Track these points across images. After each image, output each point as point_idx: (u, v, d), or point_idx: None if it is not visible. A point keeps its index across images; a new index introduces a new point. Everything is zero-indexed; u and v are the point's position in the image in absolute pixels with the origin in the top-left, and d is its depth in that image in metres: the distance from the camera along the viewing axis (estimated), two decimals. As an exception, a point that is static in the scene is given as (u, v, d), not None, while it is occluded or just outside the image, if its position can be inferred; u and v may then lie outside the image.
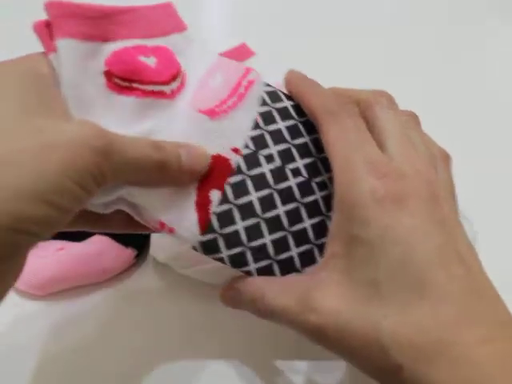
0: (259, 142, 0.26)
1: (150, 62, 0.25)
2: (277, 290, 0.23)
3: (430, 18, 0.59)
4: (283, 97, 0.27)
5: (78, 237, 0.32)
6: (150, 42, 0.26)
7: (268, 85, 0.27)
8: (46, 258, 0.31)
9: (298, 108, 0.27)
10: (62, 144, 0.18)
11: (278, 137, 0.26)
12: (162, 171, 0.22)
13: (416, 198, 0.21)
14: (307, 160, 0.26)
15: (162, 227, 0.23)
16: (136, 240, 0.33)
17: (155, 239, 0.33)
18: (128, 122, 0.23)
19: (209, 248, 0.24)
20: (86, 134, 0.19)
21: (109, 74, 0.23)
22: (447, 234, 0.21)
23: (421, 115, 0.27)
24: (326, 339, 0.21)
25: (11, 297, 0.31)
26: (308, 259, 0.25)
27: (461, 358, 0.18)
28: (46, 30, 0.23)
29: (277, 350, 0.29)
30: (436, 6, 0.60)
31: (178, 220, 0.23)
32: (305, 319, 0.21)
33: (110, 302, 0.31)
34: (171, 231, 0.23)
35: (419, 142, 0.24)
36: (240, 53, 0.49)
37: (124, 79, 0.24)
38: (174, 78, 0.25)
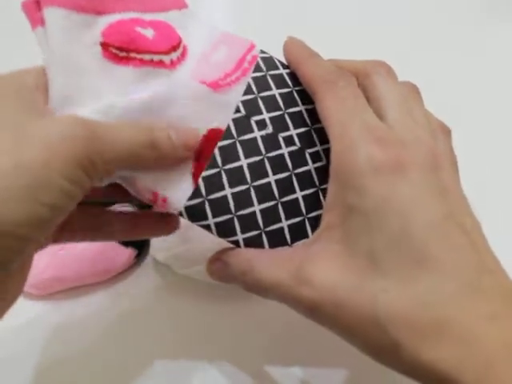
0: (251, 106, 0.25)
1: (148, 33, 0.24)
2: (267, 262, 0.22)
3: (430, 17, 0.59)
4: (279, 64, 0.27)
5: (78, 237, 0.32)
6: (147, 16, 0.25)
7: (263, 52, 0.27)
8: (46, 258, 0.31)
9: (293, 76, 0.27)
10: (40, 137, 0.18)
11: (271, 103, 0.25)
12: (155, 150, 0.21)
13: (416, 167, 0.20)
14: (301, 129, 0.25)
15: (154, 197, 0.23)
16: (136, 240, 0.33)
17: (155, 239, 0.33)
18: (127, 91, 0.23)
19: (195, 214, 0.23)
20: (65, 124, 0.18)
21: (105, 45, 0.23)
22: (449, 205, 0.19)
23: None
24: (320, 314, 0.20)
25: (11, 297, 0.31)
26: (299, 232, 0.24)
27: (464, 336, 0.17)
28: (35, 6, 0.22)
29: (277, 350, 0.29)
30: (436, 5, 0.60)
31: (172, 190, 0.23)
32: (298, 293, 0.20)
33: (110, 302, 0.31)
34: (164, 201, 0.23)
35: (419, 113, 0.23)
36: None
37: (121, 49, 0.23)
38: (173, 48, 0.25)
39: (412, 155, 0.20)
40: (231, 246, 0.23)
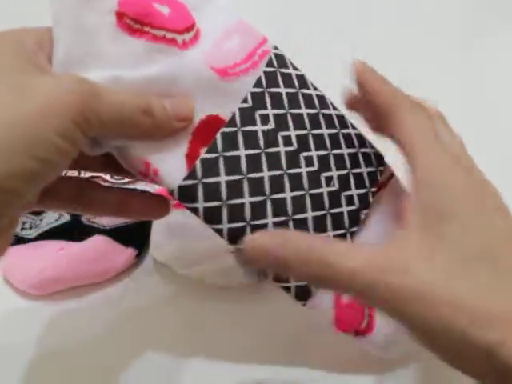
0: (258, 99, 0.25)
1: (164, 10, 0.24)
2: (343, 250, 0.21)
3: (439, 24, 0.59)
4: (289, 63, 0.27)
5: (77, 237, 0.32)
6: None
7: (277, 48, 0.27)
8: (46, 258, 0.31)
9: (300, 78, 0.27)
10: (39, 92, 0.18)
11: (277, 100, 0.25)
12: (149, 116, 0.21)
13: (496, 198, 0.22)
14: (300, 132, 0.25)
15: (146, 168, 0.23)
16: (136, 240, 0.33)
17: (155, 239, 0.32)
18: (134, 64, 0.23)
19: (186, 194, 0.23)
20: (67, 82, 0.19)
21: (120, 14, 0.23)
22: None
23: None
24: (404, 309, 0.19)
25: (11, 297, 0.31)
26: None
27: None
28: None
29: (277, 349, 0.29)
30: (446, 11, 0.60)
31: (164, 163, 0.23)
32: (383, 282, 0.19)
33: (109, 302, 0.31)
34: (155, 173, 0.23)
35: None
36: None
37: (136, 21, 0.23)
38: (187, 29, 0.24)
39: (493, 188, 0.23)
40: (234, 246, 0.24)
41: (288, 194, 0.24)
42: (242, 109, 0.24)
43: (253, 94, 0.25)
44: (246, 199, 0.24)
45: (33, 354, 0.29)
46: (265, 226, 0.24)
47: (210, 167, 0.23)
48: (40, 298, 0.31)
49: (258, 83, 0.25)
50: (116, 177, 0.34)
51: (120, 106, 0.20)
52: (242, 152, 0.24)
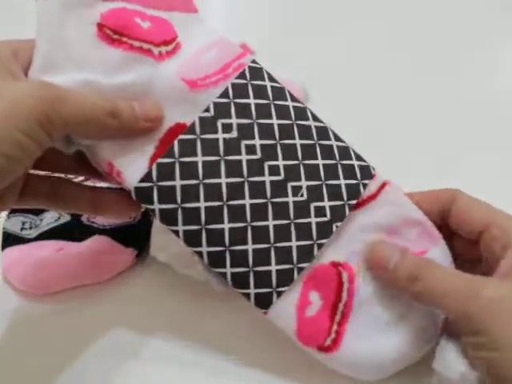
0: (222, 109, 0.26)
1: (144, 24, 0.26)
2: (440, 274, 0.24)
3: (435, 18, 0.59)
4: (266, 76, 0.27)
5: (78, 237, 0.32)
6: (151, 12, 0.26)
7: (255, 62, 0.27)
8: (46, 258, 0.31)
9: (277, 90, 0.27)
10: (8, 96, 0.20)
11: (243, 110, 0.26)
12: (116, 118, 0.23)
13: None
14: (266, 141, 0.26)
15: (110, 168, 0.24)
16: (136, 240, 0.33)
17: (155, 239, 0.32)
18: (111, 71, 0.24)
19: (143, 196, 0.24)
20: (33, 86, 0.21)
21: (101, 26, 0.24)
22: None
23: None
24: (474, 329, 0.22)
25: (11, 297, 0.31)
26: (238, 237, 0.25)
27: None
28: None
29: (277, 349, 0.29)
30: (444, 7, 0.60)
31: (128, 165, 0.24)
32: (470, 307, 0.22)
33: (109, 302, 0.31)
34: (118, 174, 0.24)
35: None
36: (240, 53, 0.49)
37: (115, 32, 0.25)
38: (164, 42, 0.26)
39: None
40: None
41: (247, 201, 0.25)
42: (203, 117, 0.25)
43: (216, 103, 0.25)
44: (202, 204, 0.24)
45: (33, 354, 0.29)
46: (221, 230, 0.24)
47: (166, 171, 0.24)
48: (40, 298, 0.31)
49: (224, 94, 0.26)
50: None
51: (85, 108, 0.22)
52: (200, 158, 0.25)
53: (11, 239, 0.32)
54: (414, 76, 0.50)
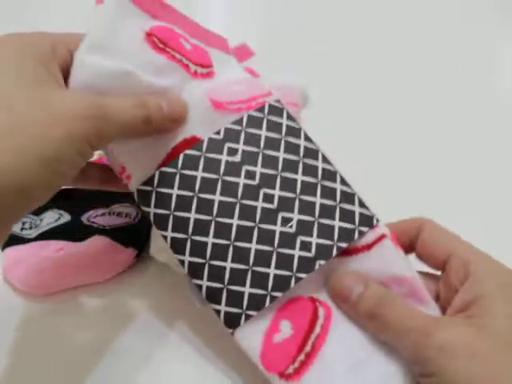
0: (231, 135, 0.27)
1: (187, 45, 0.28)
2: (398, 313, 0.24)
3: (439, 18, 0.59)
4: (285, 115, 0.28)
5: (78, 237, 0.32)
6: (193, 40, 0.29)
7: (279, 101, 0.28)
8: (46, 258, 0.31)
9: (293, 130, 0.28)
10: (64, 117, 0.21)
11: (252, 139, 0.27)
12: (148, 124, 0.24)
13: None
14: (267, 170, 0.27)
15: (122, 171, 0.27)
16: (136, 240, 0.33)
17: (155, 239, 0.33)
18: (151, 73, 0.26)
19: (142, 198, 0.26)
20: (84, 106, 0.21)
21: (149, 34, 0.26)
22: None
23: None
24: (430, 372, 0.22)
25: (11, 297, 0.31)
26: (219, 253, 0.25)
27: None
28: None
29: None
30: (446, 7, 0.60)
31: (137, 170, 0.26)
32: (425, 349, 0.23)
33: (109, 302, 0.31)
34: (128, 178, 0.27)
35: None
36: (240, 53, 0.49)
37: (161, 42, 0.27)
38: (201, 65, 0.28)
39: None
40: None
41: (235, 221, 0.26)
42: (212, 139, 0.27)
43: (227, 129, 0.27)
44: (192, 215, 0.26)
45: (33, 354, 0.29)
46: (204, 243, 0.26)
47: (166, 179, 0.26)
48: (40, 298, 0.31)
49: (238, 122, 0.27)
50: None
51: (127, 121, 0.23)
52: (200, 174, 0.26)
53: (11, 239, 0.32)
54: (415, 78, 0.50)
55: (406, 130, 0.44)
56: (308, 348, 0.25)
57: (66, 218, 0.33)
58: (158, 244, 0.32)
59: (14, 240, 0.32)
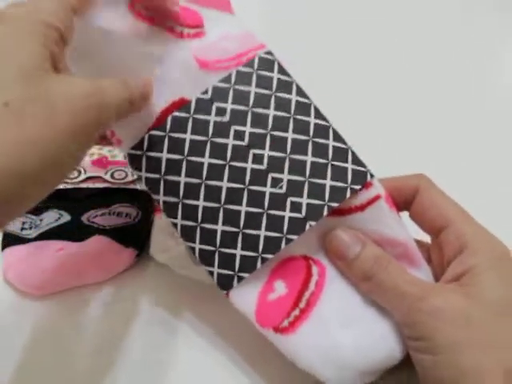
0: (220, 93, 0.26)
1: (174, 8, 0.27)
2: (393, 276, 0.24)
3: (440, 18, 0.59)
4: (276, 68, 0.27)
5: (78, 237, 0.32)
6: (183, 3, 0.28)
7: (270, 53, 0.28)
8: (46, 258, 0.31)
9: (284, 83, 0.27)
10: (64, 108, 0.19)
11: (241, 97, 0.26)
12: (132, 105, 0.24)
13: None
14: (257, 130, 0.26)
15: (111, 135, 0.27)
16: (136, 240, 0.33)
17: (155, 239, 0.32)
18: (134, 43, 0.26)
19: (133, 162, 0.26)
20: (85, 93, 0.20)
21: (133, 2, 0.26)
22: None
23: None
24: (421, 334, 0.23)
25: (11, 297, 0.31)
26: (210, 216, 0.26)
27: None
28: None
29: (276, 350, 0.29)
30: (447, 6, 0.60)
31: (127, 136, 0.26)
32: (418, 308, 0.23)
33: (109, 302, 0.31)
34: (118, 141, 0.27)
35: None
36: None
37: (145, 8, 0.26)
38: (188, 25, 0.27)
39: None
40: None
41: (224, 184, 0.26)
42: (200, 99, 0.26)
43: (215, 87, 0.26)
44: (182, 178, 0.26)
45: (33, 354, 0.29)
46: (195, 207, 0.26)
47: (155, 143, 0.26)
48: (40, 297, 0.31)
49: (226, 79, 0.27)
50: (116, 177, 0.34)
51: (117, 105, 0.22)
52: (188, 136, 0.26)
53: (11, 239, 0.32)
54: (414, 76, 0.50)
55: (408, 126, 0.44)
56: (303, 304, 0.25)
57: (65, 217, 0.33)
58: (158, 244, 0.32)
59: (14, 240, 0.32)
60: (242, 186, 0.26)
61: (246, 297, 0.26)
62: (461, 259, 0.24)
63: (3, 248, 0.32)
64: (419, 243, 0.27)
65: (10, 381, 0.28)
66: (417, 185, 0.27)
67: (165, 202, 0.26)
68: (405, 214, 0.28)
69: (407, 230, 0.27)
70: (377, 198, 0.26)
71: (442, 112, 0.46)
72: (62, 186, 0.33)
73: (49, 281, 0.31)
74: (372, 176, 0.26)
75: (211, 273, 0.26)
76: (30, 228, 0.33)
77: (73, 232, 0.32)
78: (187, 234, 0.26)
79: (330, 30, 0.56)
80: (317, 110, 0.27)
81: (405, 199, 0.27)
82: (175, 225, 0.26)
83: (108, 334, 0.30)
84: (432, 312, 0.22)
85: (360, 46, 0.54)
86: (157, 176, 0.26)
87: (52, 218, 0.33)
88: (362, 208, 0.26)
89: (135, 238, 0.33)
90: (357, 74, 0.50)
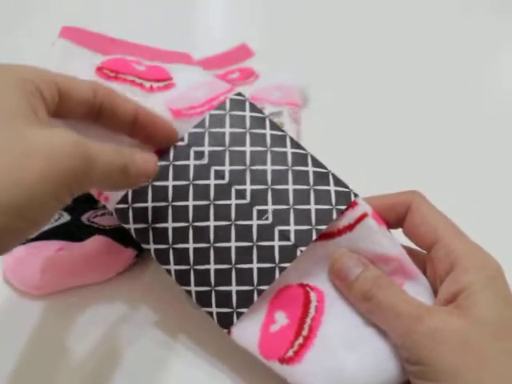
0: (196, 138, 0.27)
1: (140, 68, 0.29)
2: (392, 297, 0.24)
3: (439, 16, 0.59)
4: (248, 107, 0.28)
5: (78, 237, 0.32)
6: (148, 63, 0.30)
7: (241, 95, 0.29)
8: (46, 258, 0.31)
9: (257, 120, 0.28)
10: (41, 156, 0.18)
11: (216, 139, 0.27)
12: (125, 174, 0.23)
13: None
14: (236, 167, 0.27)
15: (99, 194, 0.28)
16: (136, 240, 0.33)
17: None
18: None
19: (120, 216, 0.27)
20: (66, 144, 0.19)
21: (100, 68, 0.28)
22: None
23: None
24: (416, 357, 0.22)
25: (11, 297, 0.31)
26: (202, 257, 0.26)
27: None
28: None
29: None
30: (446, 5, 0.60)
31: (114, 193, 0.27)
32: (417, 329, 0.23)
33: (110, 302, 0.31)
34: (106, 199, 0.28)
35: None
36: (240, 53, 0.49)
37: (112, 71, 0.28)
38: (157, 80, 0.29)
39: None
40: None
41: (211, 223, 0.26)
42: (177, 146, 0.27)
43: (191, 133, 0.27)
44: (169, 224, 0.26)
45: (33, 354, 0.29)
46: (186, 250, 0.26)
47: (140, 194, 0.26)
48: (40, 297, 0.31)
49: (200, 124, 0.28)
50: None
51: (108, 168, 0.21)
52: (170, 183, 0.27)
53: (11, 239, 0.32)
54: (415, 78, 0.50)
55: (406, 129, 0.44)
56: (305, 331, 0.25)
57: (65, 217, 0.33)
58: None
59: (14, 240, 0.32)
60: (228, 222, 0.26)
61: (249, 331, 0.26)
62: (453, 277, 0.24)
63: (3, 248, 0.32)
64: (416, 252, 0.28)
65: (10, 381, 0.28)
66: (409, 201, 0.27)
67: (156, 250, 0.26)
68: (399, 231, 0.28)
69: (399, 244, 0.27)
70: (364, 216, 0.26)
71: (440, 117, 0.46)
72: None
73: (48, 281, 0.31)
74: (356, 195, 0.27)
75: (210, 313, 0.26)
76: (30, 228, 0.33)
77: (73, 232, 0.32)
78: (182, 278, 0.26)
79: (327, 36, 0.56)
80: (292, 140, 0.28)
81: (398, 216, 0.27)
82: (169, 271, 0.26)
83: (107, 334, 0.30)
84: (429, 334, 0.22)
85: (360, 46, 0.54)
86: (145, 225, 0.26)
87: (52, 217, 0.33)
88: (350, 228, 0.26)
89: (135, 238, 0.33)
90: (357, 75, 0.50)
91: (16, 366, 0.28)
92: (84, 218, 0.33)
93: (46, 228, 0.32)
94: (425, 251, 0.27)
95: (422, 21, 0.58)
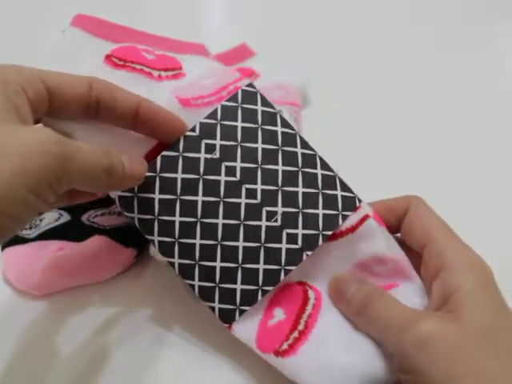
0: (207, 129, 0.26)
1: (149, 56, 0.28)
2: (385, 307, 0.25)
3: (438, 17, 0.59)
4: (259, 100, 0.28)
5: (78, 237, 0.32)
6: (158, 52, 0.29)
7: (251, 86, 0.28)
8: (46, 258, 0.31)
9: (268, 115, 0.27)
10: (17, 147, 0.18)
11: (229, 133, 0.27)
12: (110, 175, 0.22)
13: None
14: (247, 164, 0.26)
15: None
16: (136, 240, 0.33)
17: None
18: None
19: (125, 204, 0.26)
20: (43, 140, 0.19)
21: (108, 56, 0.27)
22: None
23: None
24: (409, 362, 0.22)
25: (11, 297, 0.31)
26: (208, 254, 0.26)
27: None
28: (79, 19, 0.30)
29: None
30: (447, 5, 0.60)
31: None
32: (408, 337, 0.22)
33: (109, 302, 0.31)
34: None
35: None
36: (240, 53, 0.49)
37: (120, 59, 0.27)
38: (165, 69, 0.28)
39: None
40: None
41: (220, 221, 0.26)
42: (188, 136, 0.26)
43: (202, 124, 0.27)
44: (177, 218, 0.26)
45: (33, 354, 0.29)
46: (192, 245, 0.26)
47: (146, 184, 0.25)
48: (40, 298, 0.31)
49: (212, 115, 0.27)
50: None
51: (88, 166, 0.21)
52: (179, 175, 0.26)
53: (11, 239, 0.32)
54: (415, 78, 0.50)
55: (406, 129, 0.44)
56: (301, 326, 0.26)
57: (65, 217, 0.33)
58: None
59: (14, 240, 0.32)
60: (237, 221, 0.26)
61: (248, 327, 0.26)
62: (443, 278, 0.24)
63: (3, 248, 0.32)
64: (415, 253, 0.28)
65: (10, 380, 0.28)
66: (407, 205, 0.27)
67: (160, 242, 0.26)
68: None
69: (397, 245, 0.27)
70: (366, 217, 0.27)
71: (440, 117, 0.46)
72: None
73: (48, 281, 0.31)
74: (360, 201, 0.27)
75: (212, 308, 0.26)
76: (30, 228, 0.33)
77: (73, 232, 0.32)
78: (186, 273, 0.26)
79: (327, 36, 0.56)
80: (302, 140, 0.28)
81: (397, 220, 0.28)
82: (172, 264, 0.26)
83: (108, 333, 0.30)
84: (419, 342, 0.22)
85: (360, 46, 0.54)
86: (151, 217, 0.26)
87: (52, 217, 0.33)
88: (352, 229, 0.27)
89: (135, 238, 0.33)
90: (357, 75, 0.50)
91: (16, 366, 0.28)
92: (84, 218, 0.33)
93: (46, 228, 0.32)
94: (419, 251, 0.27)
95: (422, 21, 0.58)
